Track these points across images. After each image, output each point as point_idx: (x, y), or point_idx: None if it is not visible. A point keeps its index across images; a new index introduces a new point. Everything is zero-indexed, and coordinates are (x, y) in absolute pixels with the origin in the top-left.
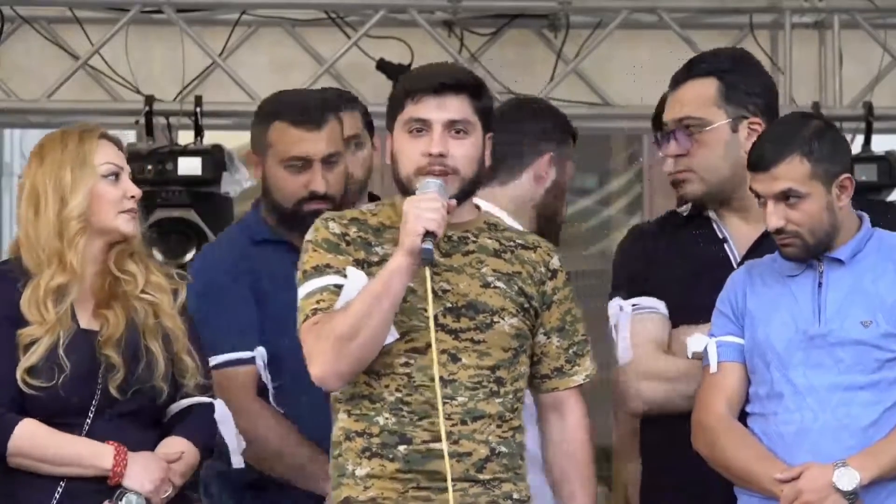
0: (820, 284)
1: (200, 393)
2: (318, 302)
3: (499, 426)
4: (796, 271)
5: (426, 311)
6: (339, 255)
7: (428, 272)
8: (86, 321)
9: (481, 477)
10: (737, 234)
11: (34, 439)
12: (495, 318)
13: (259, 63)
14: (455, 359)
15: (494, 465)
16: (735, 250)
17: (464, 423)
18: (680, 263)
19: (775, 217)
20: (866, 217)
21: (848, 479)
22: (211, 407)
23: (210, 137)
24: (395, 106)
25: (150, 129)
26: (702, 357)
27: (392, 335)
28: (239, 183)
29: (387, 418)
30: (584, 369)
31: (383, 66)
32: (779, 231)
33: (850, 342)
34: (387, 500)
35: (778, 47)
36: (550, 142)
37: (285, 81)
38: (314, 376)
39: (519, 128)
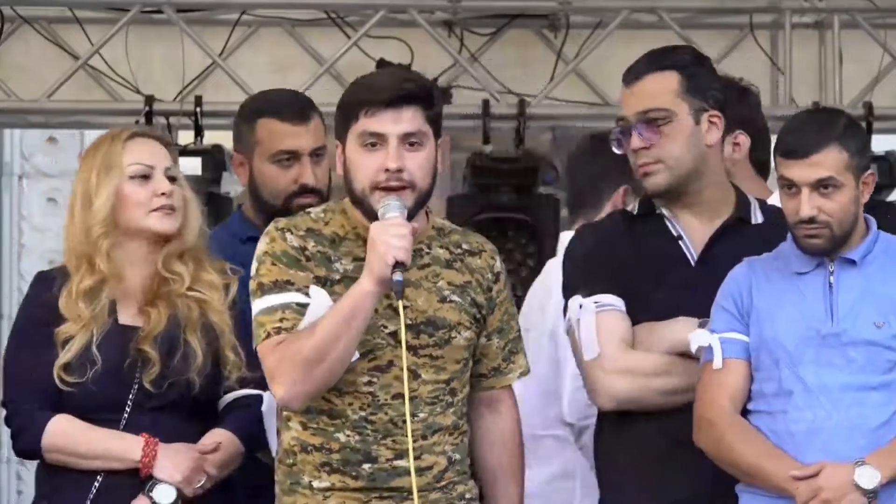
0: (830, 284)
1: (241, 386)
2: (280, 320)
3: (451, 434)
4: (805, 268)
5: (386, 328)
6: (300, 272)
7: (401, 304)
8: (129, 318)
9: (439, 485)
10: (690, 230)
11: (66, 435)
12: (452, 333)
13: (259, 63)
14: (416, 375)
15: (450, 473)
16: (691, 247)
17: (424, 437)
18: (636, 262)
19: (809, 206)
20: (873, 220)
21: (869, 477)
22: (259, 399)
23: (210, 137)
24: (347, 116)
25: None
26: (698, 352)
27: (354, 356)
28: (239, 183)
29: (348, 435)
30: (519, 367)
31: (383, 66)
32: (810, 220)
33: (863, 342)
34: None
35: (778, 47)
36: (625, 174)
37: (285, 81)
38: (278, 397)
39: (595, 162)
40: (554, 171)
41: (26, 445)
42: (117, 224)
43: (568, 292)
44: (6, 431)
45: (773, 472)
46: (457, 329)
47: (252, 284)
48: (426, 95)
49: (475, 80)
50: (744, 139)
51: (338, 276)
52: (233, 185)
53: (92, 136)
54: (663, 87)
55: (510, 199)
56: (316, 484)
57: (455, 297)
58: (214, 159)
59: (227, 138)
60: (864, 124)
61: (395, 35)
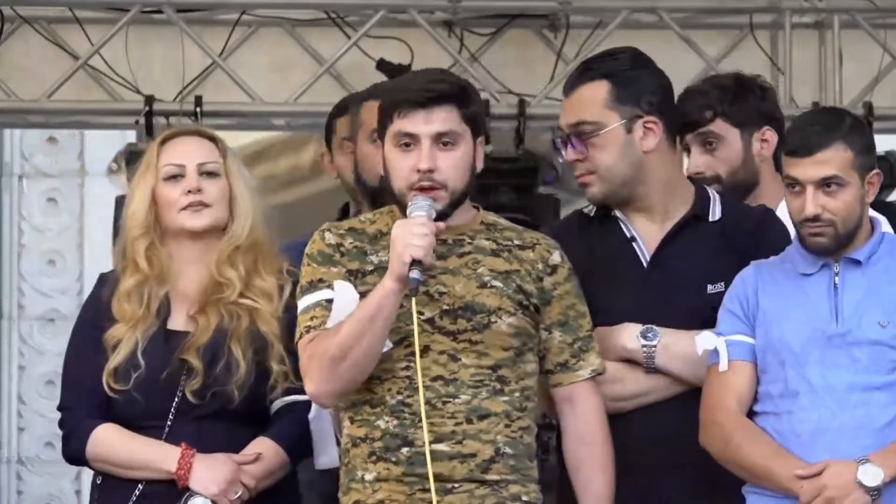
0: (835, 285)
1: (290, 395)
2: (311, 319)
3: (507, 425)
4: (811, 270)
5: (422, 314)
6: (332, 268)
7: (413, 302)
8: (179, 323)
9: (487, 478)
10: (644, 232)
11: (108, 444)
12: (492, 318)
13: (259, 63)
14: (455, 358)
15: (500, 466)
16: (644, 248)
17: (469, 421)
18: (589, 264)
19: (813, 204)
20: (879, 220)
21: (872, 475)
22: (307, 405)
23: None
24: (384, 118)
25: (150, 129)
26: (704, 355)
27: (385, 346)
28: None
29: (387, 421)
30: (590, 364)
31: (383, 66)
32: (814, 219)
33: (868, 342)
34: (394, 502)
35: (778, 47)
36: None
37: (285, 81)
38: (309, 393)
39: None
40: (554, 171)
41: (73, 453)
42: (159, 226)
43: None
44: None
45: (779, 473)
46: (497, 314)
47: (297, 290)
48: (460, 94)
49: (475, 80)
50: (771, 135)
51: (371, 267)
52: None
53: (92, 136)
54: (592, 98)
55: (510, 199)
56: (367, 477)
57: (496, 283)
58: None
59: (227, 138)
60: None
61: (395, 35)
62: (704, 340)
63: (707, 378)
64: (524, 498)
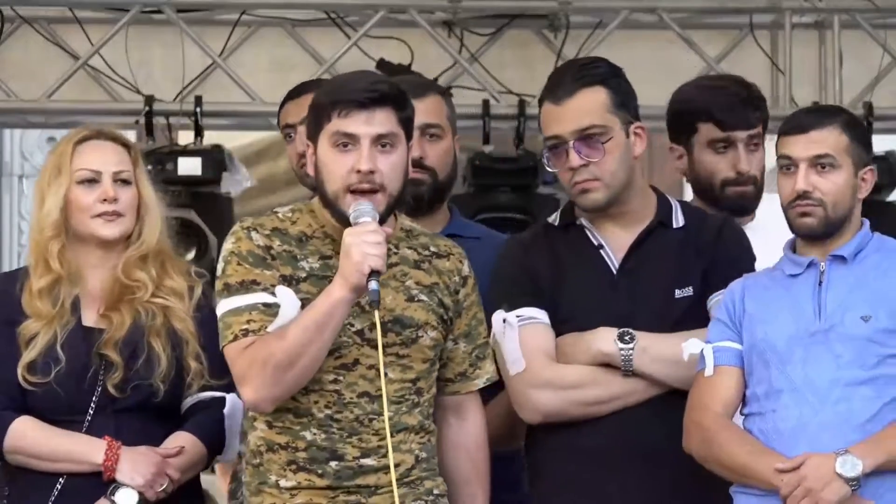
0: (820, 283)
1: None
2: (247, 322)
3: (417, 434)
4: (797, 270)
5: (353, 326)
6: (266, 270)
7: (377, 314)
8: (92, 320)
9: (406, 480)
10: (612, 239)
11: (29, 436)
12: (419, 333)
13: (259, 63)
14: (380, 373)
15: (417, 471)
16: (612, 255)
17: (391, 435)
18: (558, 273)
19: (804, 180)
20: (866, 221)
21: (850, 465)
22: (222, 401)
23: (210, 137)
24: (320, 116)
25: (149, 130)
26: (691, 360)
27: None
28: (239, 183)
29: (315, 433)
30: (486, 373)
31: (383, 66)
32: (804, 195)
33: (850, 337)
34: None
35: (778, 47)
36: None
37: (285, 81)
38: (248, 400)
39: None
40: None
41: None
42: (69, 228)
43: (491, 307)
44: None
45: (761, 469)
46: (424, 329)
47: (218, 284)
48: (399, 97)
49: (475, 80)
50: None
51: (304, 274)
52: (233, 186)
53: None
54: (595, 103)
55: (510, 199)
56: (283, 483)
57: (423, 297)
58: (214, 159)
59: (227, 138)
60: (864, 124)
61: (395, 35)
62: (691, 346)
63: (693, 383)
64: (436, 491)
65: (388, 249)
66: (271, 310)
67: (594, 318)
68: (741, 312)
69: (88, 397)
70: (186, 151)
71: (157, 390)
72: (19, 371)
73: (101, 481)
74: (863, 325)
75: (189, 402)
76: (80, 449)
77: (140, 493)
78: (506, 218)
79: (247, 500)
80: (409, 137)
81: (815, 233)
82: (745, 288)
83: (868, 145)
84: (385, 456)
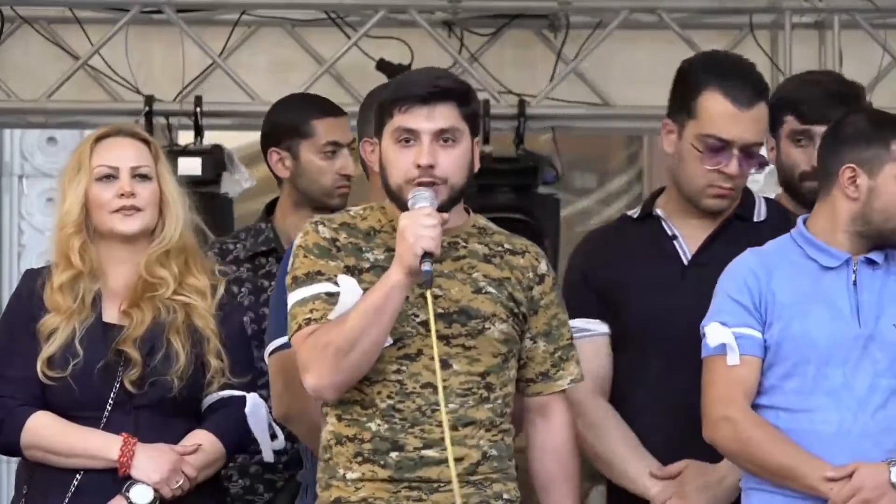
0: (855, 283)
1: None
2: (311, 311)
3: (488, 430)
4: (834, 263)
5: (417, 316)
6: (331, 261)
7: (429, 294)
8: (113, 317)
9: (472, 479)
10: (687, 231)
11: (45, 431)
12: (486, 324)
13: (259, 63)
14: (446, 365)
15: (485, 468)
16: (685, 247)
17: (454, 429)
18: (628, 266)
19: None
20: None
21: None
22: (242, 400)
23: (210, 137)
24: (383, 114)
25: (149, 130)
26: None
27: (387, 341)
28: (239, 183)
29: (378, 424)
30: (570, 374)
31: (383, 66)
32: None
33: (887, 344)
34: (378, 499)
35: (778, 47)
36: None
37: (285, 81)
38: (310, 387)
39: None
40: (554, 171)
41: (5, 440)
42: (90, 225)
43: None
44: None
45: (807, 474)
46: (491, 320)
47: (287, 279)
48: (461, 92)
49: (475, 80)
50: None
51: (367, 265)
52: (233, 186)
53: None
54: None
55: (510, 199)
56: (349, 475)
57: (491, 289)
58: (214, 159)
59: (227, 138)
60: None
61: (395, 35)
62: (716, 334)
63: (711, 370)
64: (505, 496)
65: (457, 243)
66: (334, 299)
67: (658, 309)
68: (769, 297)
69: (106, 393)
70: (186, 151)
71: (174, 385)
72: (38, 366)
73: (117, 478)
74: (895, 332)
75: (209, 400)
76: (96, 445)
77: (155, 490)
78: (506, 218)
79: (319, 496)
80: (473, 133)
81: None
82: (769, 270)
83: None
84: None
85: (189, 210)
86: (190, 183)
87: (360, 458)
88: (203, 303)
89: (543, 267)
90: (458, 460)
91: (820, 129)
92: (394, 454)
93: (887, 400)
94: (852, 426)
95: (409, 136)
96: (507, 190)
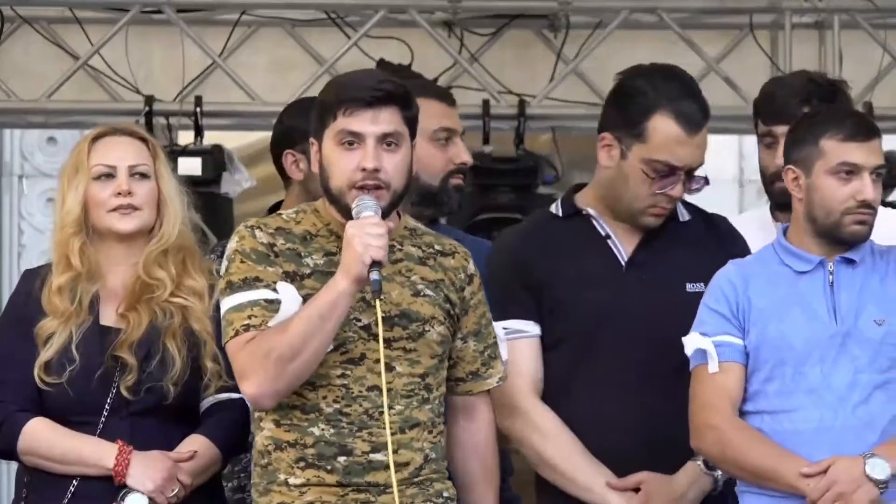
0: (831, 283)
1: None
2: (249, 317)
3: (429, 432)
4: (806, 268)
5: (359, 320)
6: (269, 268)
7: (378, 303)
8: (110, 319)
9: (416, 480)
10: (618, 231)
11: (41, 437)
12: (426, 327)
13: (259, 63)
14: (389, 368)
15: (427, 471)
16: (620, 247)
17: (402, 431)
18: (561, 264)
19: (873, 190)
20: None
21: (880, 468)
22: (239, 403)
23: (210, 137)
24: (325, 114)
25: (149, 130)
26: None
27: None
28: (239, 183)
29: (323, 429)
30: (498, 372)
31: (383, 66)
32: (867, 204)
33: (865, 340)
34: (325, 503)
35: (778, 47)
36: None
37: (285, 81)
38: (248, 395)
39: None
40: (554, 171)
41: (3, 445)
42: (89, 224)
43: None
44: None
45: (785, 473)
46: (430, 323)
47: (221, 283)
48: (404, 96)
49: (475, 80)
50: None
51: (308, 271)
52: (233, 186)
53: None
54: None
55: (510, 199)
56: (292, 480)
57: (429, 292)
58: (214, 159)
59: (227, 138)
60: None
61: (395, 35)
62: (693, 341)
63: (695, 380)
64: (445, 494)
65: (392, 246)
66: (273, 306)
67: (600, 310)
68: (746, 305)
69: (102, 399)
70: (186, 151)
71: (167, 392)
72: (35, 371)
73: (113, 485)
74: (877, 328)
75: (207, 403)
76: (91, 452)
77: (150, 499)
78: (505, 218)
79: (255, 501)
80: (413, 136)
81: (863, 241)
82: (746, 279)
83: None
84: (395, 452)
85: (189, 209)
86: (190, 183)
87: (302, 464)
88: (200, 304)
89: (471, 267)
90: (404, 464)
91: (782, 130)
92: (341, 458)
93: (869, 395)
94: (833, 423)
95: (352, 139)
96: (507, 190)
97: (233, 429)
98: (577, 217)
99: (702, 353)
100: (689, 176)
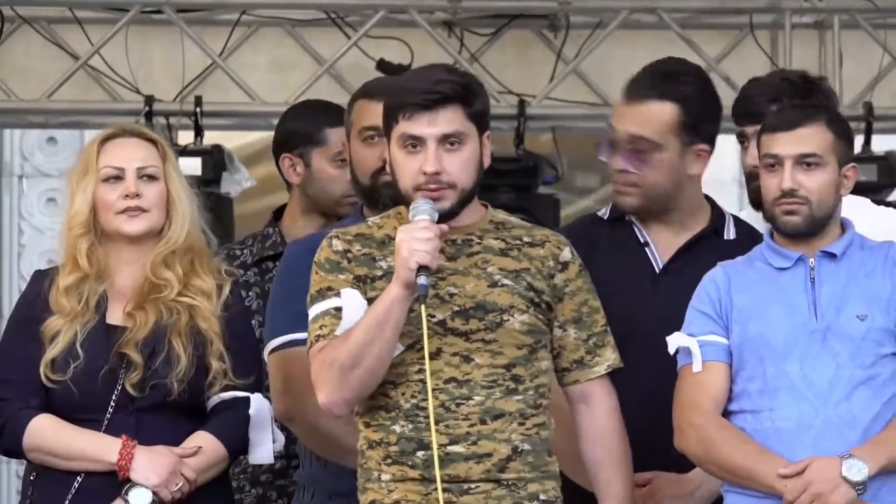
0: (812, 279)
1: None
2: (320, 327)
3: (520, 423)
4: (786, 264)
5: (434, 316)
6: (340, 275)
7: (423, 308)
8: (117, 318)
9: (504, 477)
10: (658, 239)
11: (46, 434)
12: (504, 316)
13: (259, 63)
14: (467, 360)
15: (518, 465)
16: (657, 255)
17: (483, 422)
18: (598, 267)
19: (791, 179)
20: (848, 221)
21: (857, 469)
22: (246, 401)
23: (210, 137)
24: (389, 119)
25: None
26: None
27: (396, 349)
28: (239, 183)
29: (402, 426)
30: (606, 360)
31: (383, 66)
32: (790, 193)
33: (848, 336)
34: (410, 502)
35: (778, 47)
36: None
37: (285, 81)
38: (321, 403)
39: None
40: (554, 171)
41: (8, 444)
42: (98, 226)
43: None
44: None
45: (763, 473)
46: (509, 312)
47: (308, 298)
48: (464, 93)
49: None
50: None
51: (380, 273)
52: (233, 186)
53: (92, 136)
54: (659, 119)
55: (510, 199)
56: (383, 477)
57: (507, 282)
58: (214, 159)
59: (227, 138)
60: (864, 124)
61: (395, 35)
62: (676, 340)
63: (680, 379)
64: (542, 497)
65: (470, 240)
66: (341, 313)
67: (629, 315)
68: (728, 305)
69: (108, 396)
70: (186, 151)
71: (172, 388)
72: (41, 369)
73: (117, 481)
74: (859, 323)
75: (212, 401)
76: (95, 448)
77: (154, 493)
78: None
79: (359, 499)
80: (482, 130)
81: (799, 231)
82: (729, 279)
83: (851, 140)
84: (475, 443)
85: (198, 210)
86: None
87: (389, 461)
88: (208, 304)
89: (567, 254)
90: (486, 455)
91: (752, 129)
92: (420, 453)
93: (851, 392)
94: (814, 420)
95: (414, 143)
96: (507, 190)
97: (238, 427)
98: (621, 222)
99: (686, 352)
100: (633, 149)
